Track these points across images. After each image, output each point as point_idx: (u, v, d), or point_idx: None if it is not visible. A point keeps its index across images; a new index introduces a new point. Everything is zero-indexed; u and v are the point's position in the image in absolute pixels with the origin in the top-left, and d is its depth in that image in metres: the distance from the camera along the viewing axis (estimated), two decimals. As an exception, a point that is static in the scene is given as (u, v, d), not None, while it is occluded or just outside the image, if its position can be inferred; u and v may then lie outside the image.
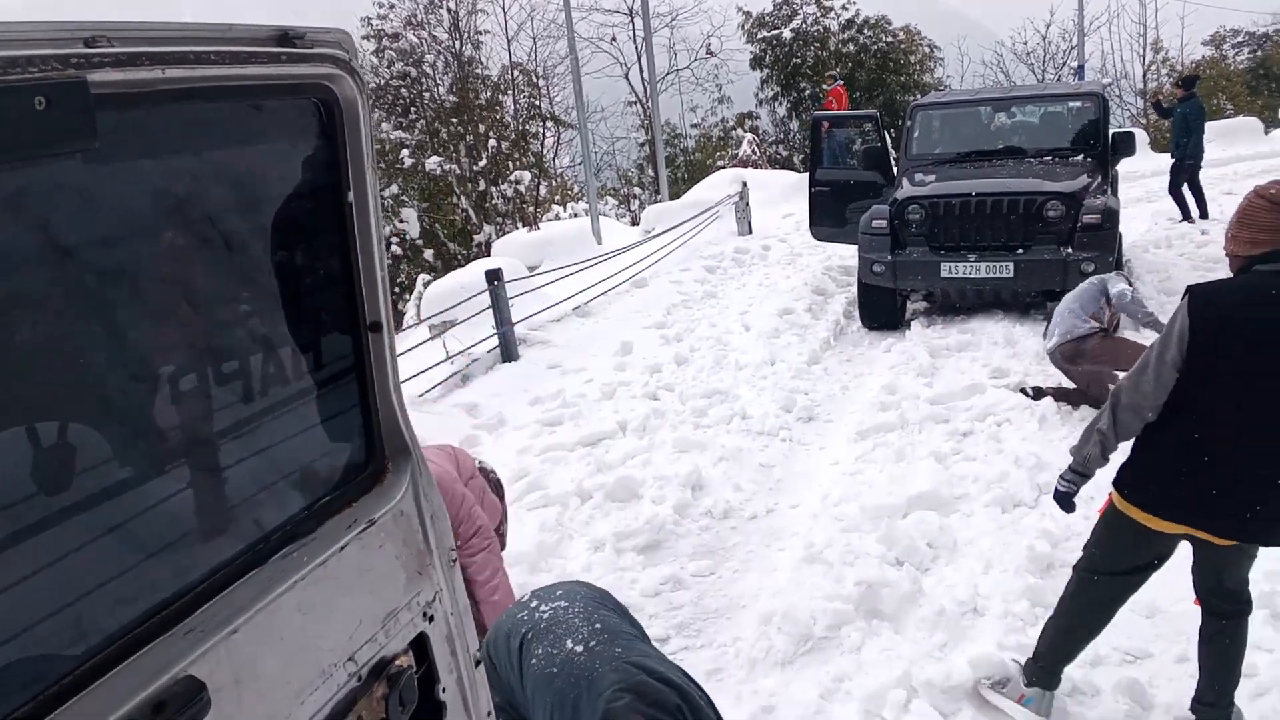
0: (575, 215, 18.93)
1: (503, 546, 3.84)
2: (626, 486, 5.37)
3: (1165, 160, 12.00)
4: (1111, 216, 7.73)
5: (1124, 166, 10.29)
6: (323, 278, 1.53)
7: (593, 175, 16.30)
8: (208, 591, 1.27)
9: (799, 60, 27.13)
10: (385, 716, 1.52)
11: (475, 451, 6.26)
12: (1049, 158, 8.67)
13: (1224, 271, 2.98)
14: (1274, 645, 3.47)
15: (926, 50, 28.78)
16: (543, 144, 23.82)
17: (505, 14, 23.98)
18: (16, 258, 1.03)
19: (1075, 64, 23.37)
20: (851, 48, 27.14)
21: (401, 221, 20.07)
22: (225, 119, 1.29)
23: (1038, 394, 6.14)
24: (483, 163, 21.05)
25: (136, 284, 1.21)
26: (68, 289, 1.11)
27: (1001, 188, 7.95)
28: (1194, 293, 2.78)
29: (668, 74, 26.93)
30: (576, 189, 24.27)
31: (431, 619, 1.67)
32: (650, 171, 25.04)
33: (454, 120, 21.59)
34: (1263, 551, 2.97)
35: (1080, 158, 8.56)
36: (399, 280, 19.72)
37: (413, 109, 22.45)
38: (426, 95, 22.51)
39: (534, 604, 2.63)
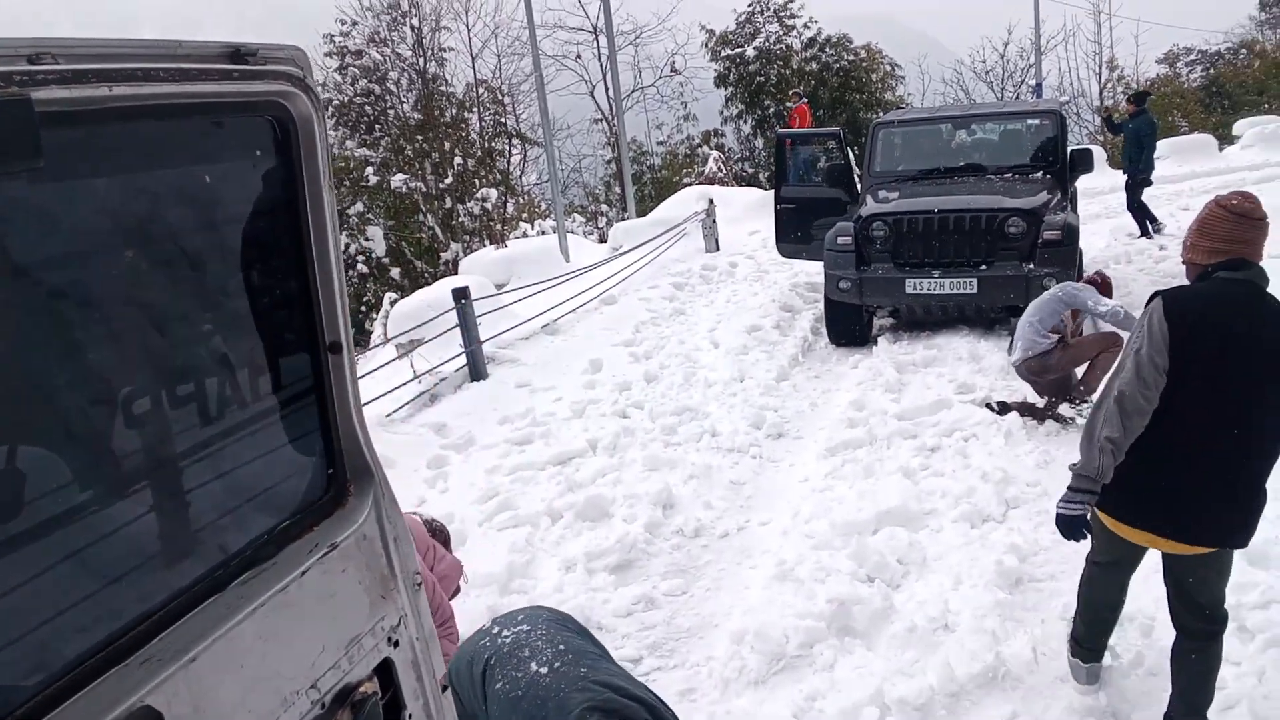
0: (543, 233, 18.89)
1: (455, 593, 3.83)
2: (597, 505, 5.34)
3: (1123, 177, 12.22)
4: (1071, 232, 7.86)
5: (1082, 183, 10.47)
6: (281, 298, 1.51)
7: (559, 193, 16.30)
8: (165, 619, 1.25)
9: (762, 78, 27.42)
10: None
11: (443, 471, 6.21)
12: (1009, 175, 8.81)
13: (1183, 284, 3.03)
14: (1241, 658, 3.48)
15: (888, 69, 29.23)
16: (509, 161, 23.79)
17: (469, 31, 23.95)
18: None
19: (1033, 82, 23.83)
20: (814, 66, 27.49)
21: (367, 239, 19.96)
22: (178, 137, 1.27)
23: (1003, 409, 6.20)
24: (449, 180, 21.00)
25: (87, 305, 1.18)
26: (16, 310, 1.08)
27: (964, 205, 8.06)
28: (1167, 298, 2.81)
29: (633, 92, 27.04)
30: (544, 206, 24.26)
31: (396, 644, 1.65)
32: (617, 189, 25.10)
33: (419, 137, 21.53)
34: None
35: (1040, 174, 8.70)
36: (365, 299, 19.58)
37: (377, 126, 22.36)
38: (391, 112, 22.44)
39: (495, 630, 2.61)
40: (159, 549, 1.32)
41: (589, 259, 12.05)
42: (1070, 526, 2.99)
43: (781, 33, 27.56)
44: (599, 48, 25.25)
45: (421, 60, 22.70)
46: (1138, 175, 11.63)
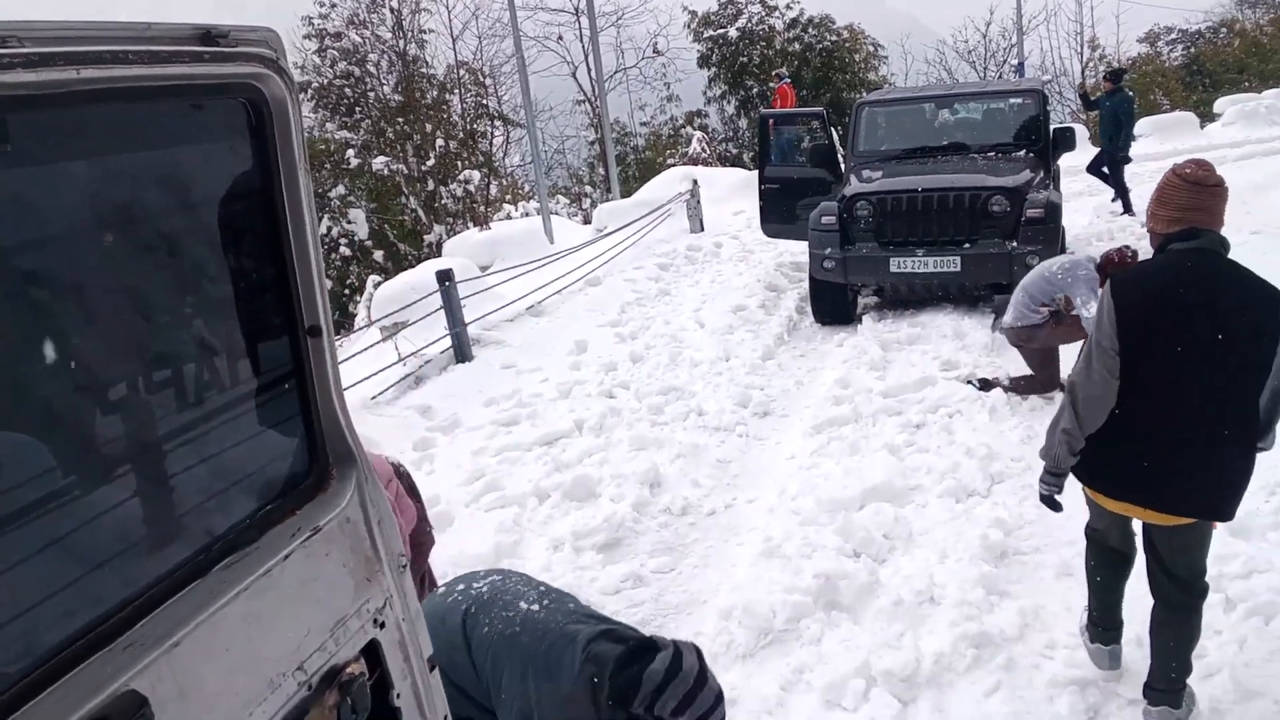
0: (526, 214, 18.80)
1: (431, 546, 3.75)
2: (584, 485, 5.35)
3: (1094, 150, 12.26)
4: (1054, 210, 7.90)
5: (1065, 161, 10.48)
6: (258, 282, 1.50)
7: (543, 174, 16.22)
8: (148, 604, 1.25)
9: (745, 59, 27.31)
10: None
11: (429, 454, 6.21)
12: (992, 153, 8.82)
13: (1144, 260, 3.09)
14: (1223, 627, 3.53)
15: (870, 49, 29.15)
16: (491, 143, 23.64)
17: (449, 13, 23.73)
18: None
19: (1015, 61, 23.83)
20: (797, 46, 27.39)
21: (350, 222, 19.81)
22: (149, 120, 1.26)
23: (986, 385, 6.24)
24: (431, 162, 20.85)
25: (63, 291, 1.17)
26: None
27: (947, 183, 8.08)
28: (1114, 280, 2.90)
29: (615, 73, 26.90)
30: (527, 188, 24.15)
31: (383, 625, 1.65)
32: (601, 170, 25.00)
33: (400, 120, 21.35)
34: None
35: (1022, 153, 8.72)
36: (348, 282, 19.48)
37: (358, 108, 22.16)
38: (371, 95, 22.24)
39: (461, 586, 2.72)
40: (141, 534, 1.32)
41: (573, 240, 12.00)
42: (1047, 504, 3.20)
43: (764, 13, 27.43)
44: (581, 29, 25.07)
45: (401, 42, 22.49)
46: (1117, 154, 11.67)
